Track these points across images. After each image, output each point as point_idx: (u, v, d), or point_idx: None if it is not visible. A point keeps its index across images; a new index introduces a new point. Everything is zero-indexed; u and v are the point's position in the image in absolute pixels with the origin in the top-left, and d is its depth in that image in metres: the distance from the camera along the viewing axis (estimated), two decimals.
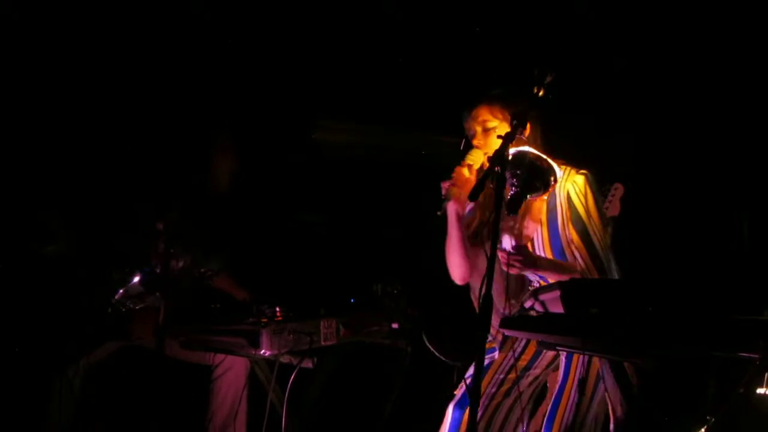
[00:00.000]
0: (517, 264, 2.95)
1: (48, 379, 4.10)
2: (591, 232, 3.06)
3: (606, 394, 3.00)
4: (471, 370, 3.17)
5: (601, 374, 3.00)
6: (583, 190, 3.10)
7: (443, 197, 3.17)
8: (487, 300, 2.60)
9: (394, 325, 4.03)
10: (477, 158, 3.21)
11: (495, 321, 2.96)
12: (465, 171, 3.19)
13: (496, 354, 3.21)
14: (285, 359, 3.79)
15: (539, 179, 3.09)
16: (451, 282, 3.36)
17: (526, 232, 3.19)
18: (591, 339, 2.58)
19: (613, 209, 4.10)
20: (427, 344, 4.02)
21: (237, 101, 5.02)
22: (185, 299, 4.09)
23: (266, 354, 3.69)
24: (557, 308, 2.65)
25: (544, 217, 3.16)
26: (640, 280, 2.83)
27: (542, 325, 2.76)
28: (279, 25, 4.90)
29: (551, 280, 3.10)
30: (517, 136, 2.90)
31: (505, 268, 2.95)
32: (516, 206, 3.02)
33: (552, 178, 3.10)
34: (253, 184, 4.89)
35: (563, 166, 3.16)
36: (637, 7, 4.53)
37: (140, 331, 4.13)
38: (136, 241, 4.22)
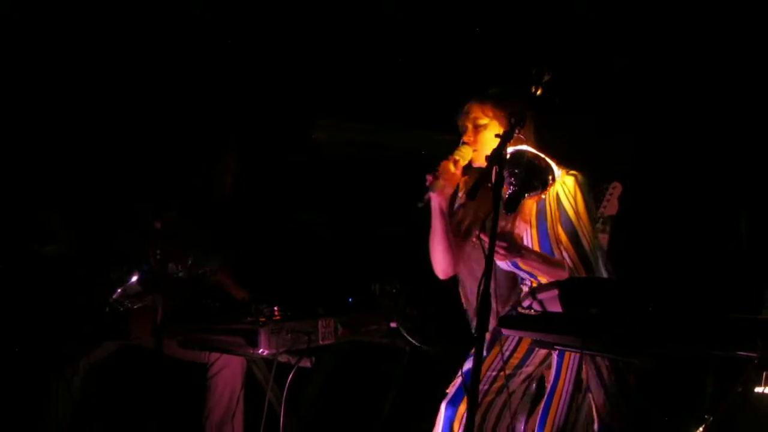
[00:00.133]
0: (501, 251, 2.94)
1: (46, 378, 4.10)
2: (580, 233, 3.06)
3: (589, 394, 3.00)
4: (465, 367, 3.18)
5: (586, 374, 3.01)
6: (572, 191, 3.10)
7: (427, 187, 3.18)
8: (485, 299, 2.59)
9: (393, 325, 4.02)
10: (465, 154, 3.23)
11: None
12: (451, 166, 3.21)
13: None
14: (283, 358, 3.78)
15: (537, 178, 3.10)
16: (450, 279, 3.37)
17: (517, 231, 3.20)
18: (590, 338, 2.57)
19: (611, 208, 4.10)
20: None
21: (236, 100, 5.02)
22: (183, 298, 4.09)
23: (264, 353, 3.68)
24: (555, 307, 2.65)
25: (533, 218, 3.17)
26: (638, 280, 2.83)
27: (541, 324, 2.76)
28: (279, 25, 4.90)
29: (540, 276, 3.11)
30: (515, 135, 2.90)
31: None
32: (514, 205, 3.02)
33: (550, 177, 3.10)
34: (251, 184, 4.89)
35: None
36: (636, 7, 4.53)
37: (138, 330, 4.12)
38: (134, 241, 4.21)
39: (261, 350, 3.67)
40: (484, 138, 3.20)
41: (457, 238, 3.33)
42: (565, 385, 3.06)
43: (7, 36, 4.57)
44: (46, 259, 4.30)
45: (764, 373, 2.50)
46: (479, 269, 3.10)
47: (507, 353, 3.16)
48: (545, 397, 3.11)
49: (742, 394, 2.51)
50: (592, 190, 3.17)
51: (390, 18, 4.85)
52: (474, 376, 2.59)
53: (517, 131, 2.89)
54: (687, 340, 2.47)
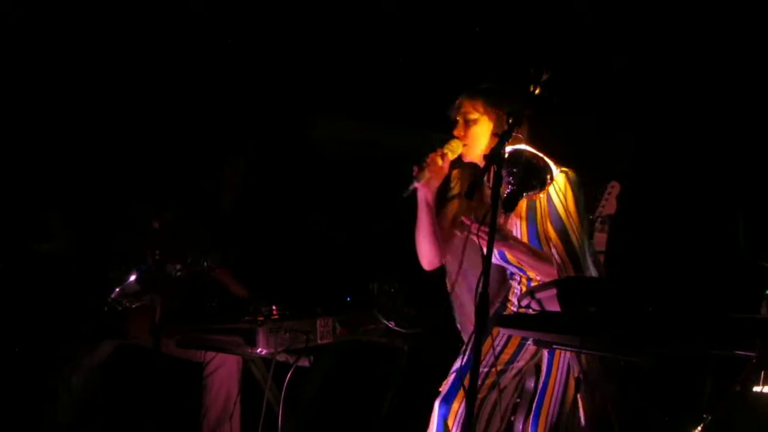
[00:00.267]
0: (485, 236, 2.93)
1: (44, 377, 4.09)
2: (569, 230, 3.07)
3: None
4: (456, 365, 3.19)
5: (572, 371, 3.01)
6: (563, 189, 3.11)
7: (412, 178, 3.18)
8: (484, 299, 2.59)
9: (391, 324, 4.02)
10: (455, 148, 3.24)
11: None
12: (438, 159, 3.22)
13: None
14: (281, 358, 3.78)
15: (536, 177, 3.09)
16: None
17: (508, 226, 3.20)
18: (588, 337, 2.57)
19: (609, 207, 4.09)
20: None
21: (236, 100, 5.02)
22: (181, 298, 4.09)
23: (263, 352, 3.68)
24: (554, 306, 2.64)
25: (523, 212, 3.18)
26: (637, 279, 2.83)
27: (539, 323, 2.75)
28: (279, 24, 4.90)
29: (528, 271, 3.12)
30: (514, 134, 2.90)
31: (474, 239, 2.93)
32: (512, 205, 3.02)
33: (548, 177, 3.10)
34: (250, 184, 4.89)
35: None
36: (636, 7, 4.53)
37: (136, 329, 4.12)
38: (133, 240, 4.21)
39: (259, 349, 3.67)
40: (475, 133, 3.21)
41: (445, 229, 3.33)
42: (557, 381, 3.07)
43: (7, 36, 4.57)
44: (44, 258, 4.30)
45: (763, 373, 2.49)
46: (467, 261, 3.11)
47: (498, 348, 3.17)
48: (537, 393, 3.13)
49: (741, 394, 2.50)
50: (582, 188, 3.17)
51: (390, 18, 4.85)
52: (473, 372, 2.59)
53: (515, 130, 2.89)
54: (686, 340, 2.47)
